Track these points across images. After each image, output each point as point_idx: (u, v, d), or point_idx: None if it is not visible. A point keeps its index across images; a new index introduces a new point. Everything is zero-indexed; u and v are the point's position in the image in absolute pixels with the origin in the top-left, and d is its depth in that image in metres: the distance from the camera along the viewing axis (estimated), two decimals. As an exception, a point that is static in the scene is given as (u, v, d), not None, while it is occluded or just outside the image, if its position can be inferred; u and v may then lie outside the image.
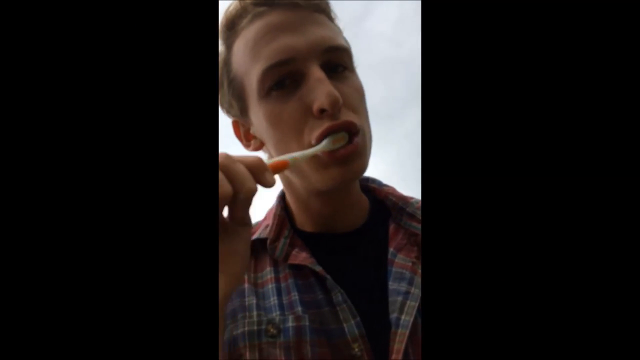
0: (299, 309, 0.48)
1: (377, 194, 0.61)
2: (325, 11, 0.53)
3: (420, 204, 0.58)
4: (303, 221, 0.57)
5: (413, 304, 0.48)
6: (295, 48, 0.47)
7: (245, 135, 0.57)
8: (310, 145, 0.46)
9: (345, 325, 0.47)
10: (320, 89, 0.45)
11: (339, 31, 0.53)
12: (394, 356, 0.45)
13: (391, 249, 0.53)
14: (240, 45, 0.51)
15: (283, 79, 0.48)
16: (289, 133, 0.48)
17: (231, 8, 0.53)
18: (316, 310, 0.48)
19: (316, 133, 0.46)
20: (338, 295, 0.49)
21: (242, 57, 0.51)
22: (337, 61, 0.49)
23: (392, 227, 0.57)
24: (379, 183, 0.63)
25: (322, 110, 0.45)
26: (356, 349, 0.46)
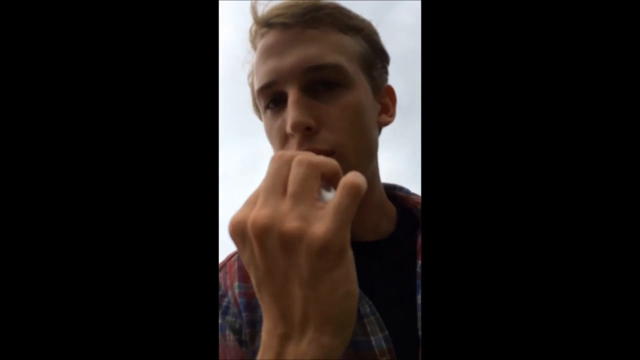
0: None
1: (405, 202, 0.60)
2: (328, 22, 0.52)
3: None
4: None
5: None
6: (277, 71, 0.49)
7: None
8: None
9: (372, 338, 0.46)
10: (289, 112, 0.47)
11: (338, 44, 0.52)
12: None
13: (419, 262, 0.52)
14: (254, 62, 0.55)
15: (274, 99, 0.51)
16: (276, 148, 0.51)
17: (251, 26, 0.56)
18: None
19: None
20: (366, 307, 0.48)
21: (254, 74, 0.55)
22: (322, 79, 0.49)
23: (420, 239, 0.55)
24: (407, 191, 0.61)
25: (291, 134, 0.48)
26: None
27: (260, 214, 0.28)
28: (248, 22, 0.56)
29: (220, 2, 0.37)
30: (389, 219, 0.57)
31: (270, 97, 0.51)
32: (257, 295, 0.30)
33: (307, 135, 0.47)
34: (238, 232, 0.29)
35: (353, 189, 0.28)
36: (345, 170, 0.47)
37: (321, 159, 0.30)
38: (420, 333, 0.46)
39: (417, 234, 0.55)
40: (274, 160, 0.31)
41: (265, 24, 0.52)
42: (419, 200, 0.59)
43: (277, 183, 0.29)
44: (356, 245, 0.54)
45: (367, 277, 0.49)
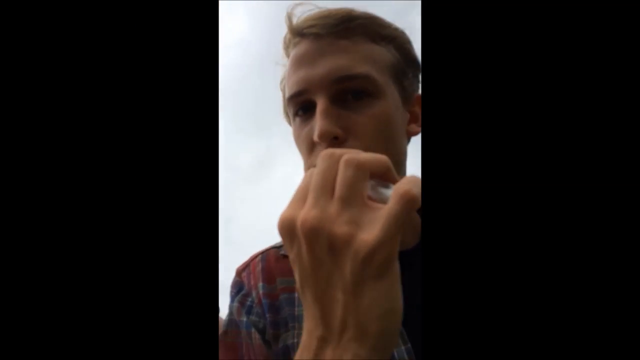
0: None
1: None
2: (360, 32, 0.53)
3: None
4: None
5: None
6: (308, 80, 0.51)
7: None
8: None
9: (395, 350, 0.46)
10: (317, 121, 0.49)
11: (369, 54, 0.53)
12: None
13: None
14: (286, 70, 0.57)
15: (304, 107, 0.53)
16: (303, 154, 0.53)
17: (286, 34, 0.58)
18: None
19: (315, 163, 0.49)
20: None
21: (285, 81, 0.57)
22: (352, 89, 0.51)
23: None
24: None
25: (318, 142, 0.49)
26: None
27: (310, 214, 0.28)
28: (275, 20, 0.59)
29: (220, 3, 0.37)
30: (415, 230, 0.56)
31: (299, 105, 0.53)
32: (300, 294, 0.30)
33: (334, 145, 0.48)
34: (287, 229, 0.29)
35: (408, 199, 0.27)
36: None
37: (370, 156, 0.30)
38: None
39: None
40: (323, 158, 0.30)
41: (298, 33, 0.54)
42: None
43: (326, 183, 0.29)
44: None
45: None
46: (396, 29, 0.57)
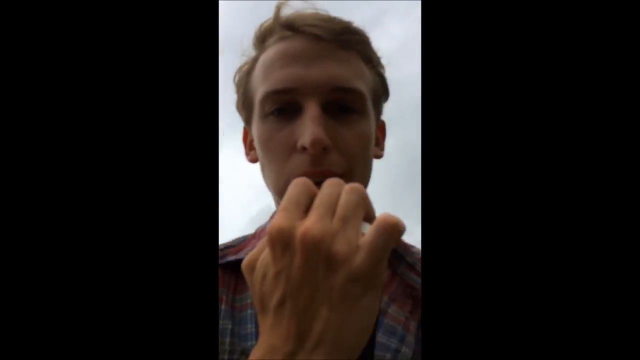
0: None
1: None
2: (357, 48, 0.52)
3: (420, 254, 0.55)
4: None
5: None
6: (301, 80, 0.47)
7: (250, 144, 0.58)
8: (284, 178, 0.47)
9: None
10: (307, 127, 0.45)
11: (362, 72, 0.52)
12: None
13: (385, 298, 0.50)
14: (261, 61, 0.52)
15: (283, 107, 0.48)
16: (273, 160, 0.49)
17: (266, 23, 0.54)
18: None
19: (295, 171, 0.46)
20: None
21: (258, 73, 0.52)
22: (344, 103, 0.49)
23: (387, 274, 0.53)
24: None
25: (303, 148, 0.46)
26: None
27: (316, 227, 0.28)
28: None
29: (220, 3, 0.37)
30: None
31: (279, 104, 0.49)
32: (274, 308, 0.29)
33: (321, 154, 0.46)
34: (282, 239, 0.29)
35: (394, 224, 0.29)
36: None
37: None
38: None
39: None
40: (330, 184, 0.31)
41: (291, 28, 0.51)
42: None
43: (331, 204, 0.30)
44: None
45: None
46: (379, 56, 0.56)
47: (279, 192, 0.48)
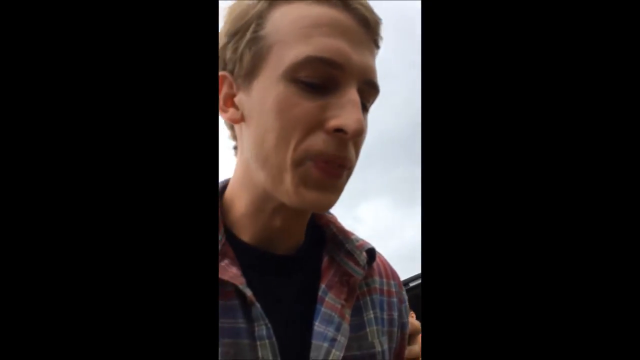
0: None
1: (317, 218, 0.56)
2: (376, 44, 0.48)
3: (360, 242, 0.54)
4: (243, 227, 0.50)
5: (338, 354, 0.46)
6: (349, 59, 0.43)
7: (226, 97, 0.48)
8: (300, 153, 0.43)
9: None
10: (350, 111, 0.42)
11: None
12: None
13: (323, 285, 0.49)
14: (291, 13, 0.45)
15: (319, 78, 0.43)
16: (290, 129, 0.43)
17: None
18: (232, 341, 0.43)
19: (318, 149, 0.43)
20: (262, 329, 0.44)
21: (288, 25, 0.44)
22: (366, 98, 0.47)
23: (325, 260, 0.52)
24: None
25: (338, 130, 0.42)
26: None
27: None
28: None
29: (220, 2, 0.37)
30: (300, 234, 0.53)
31: (321, 74, 0.43)
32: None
33: (347, 143, 0.44)
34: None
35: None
36: (341, 185, 0.46)
37: None
38: None
39: (324, 255, 0.52)
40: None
41: None
42: (333, 220, 0.56)
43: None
44: (268, 257, 0.49)
45: (271, 294, 0.47)
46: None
47: (281, 164, 0.43)
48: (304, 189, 0.43)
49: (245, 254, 0.48)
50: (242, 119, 0.47)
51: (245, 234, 0.49)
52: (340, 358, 0.46)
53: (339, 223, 0.55)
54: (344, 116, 0.42)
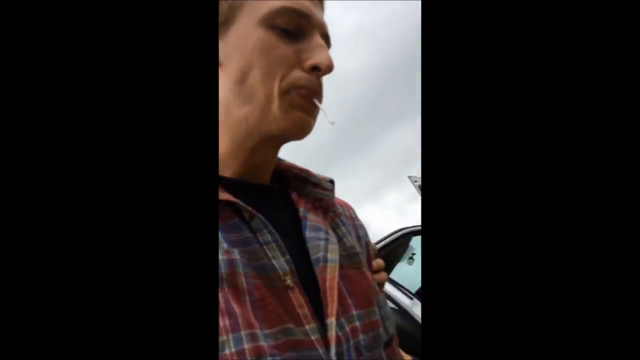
0: (225, 245, 0.47)
1: (277, 165, 0.62)
2: (322, 4, 0.57)
3: (322, 176, 0.61)
4: (225, 165, 0.55)
5: (335, 247, 0.54)
6: (312, 13, 0.53)
7: None
8: (285, 85, 0.51)
9: (275, 261, 0.48)
10: (321, 52, 0.51)
11: None
12: (328, 284, 0.50)
13: (301, 208, 0.58)
14: None
15: (292, 25, 0.52)
16: (275, 66, 0.51)
17: None
18: (244, 248, 0.48)
19: (300, 83, 0.51)
20: (266, 235, 0.50)
21: None
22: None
23: (294, 195, 0.60)
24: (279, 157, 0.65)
25: (314, 68, 0.51)
26: (288, 281, 0.48)
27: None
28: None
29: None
30: (271, 167, 0.59)
31: (294, 22, 0.51)
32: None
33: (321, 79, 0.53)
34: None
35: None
36: (316, 113, 0.54)
37: None
38: (318, 256, 0.52)
39: (290, 192, 0.61)
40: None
41: None
42: (292, 164, 0.62)
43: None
44: (250, 185, 0.56)
45: (262, 211, 0.52)
46: None
47: (269, 95, 0.51)
48: (292, 111, 0.51)
49: (229, 184, 0.53)
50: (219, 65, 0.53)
51: (228, 171, 0.55)
52: (338, 250, 0.53)
53: (298, 165, 0.63)
54: (317, 57, 0.51)
